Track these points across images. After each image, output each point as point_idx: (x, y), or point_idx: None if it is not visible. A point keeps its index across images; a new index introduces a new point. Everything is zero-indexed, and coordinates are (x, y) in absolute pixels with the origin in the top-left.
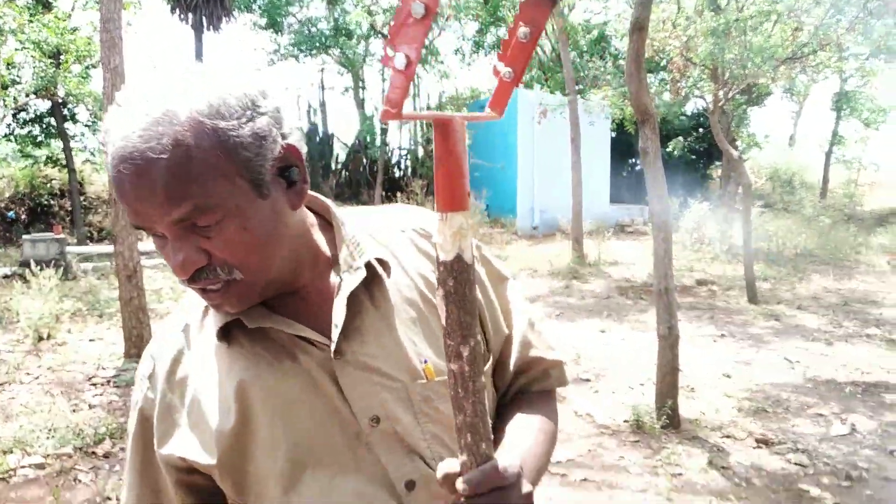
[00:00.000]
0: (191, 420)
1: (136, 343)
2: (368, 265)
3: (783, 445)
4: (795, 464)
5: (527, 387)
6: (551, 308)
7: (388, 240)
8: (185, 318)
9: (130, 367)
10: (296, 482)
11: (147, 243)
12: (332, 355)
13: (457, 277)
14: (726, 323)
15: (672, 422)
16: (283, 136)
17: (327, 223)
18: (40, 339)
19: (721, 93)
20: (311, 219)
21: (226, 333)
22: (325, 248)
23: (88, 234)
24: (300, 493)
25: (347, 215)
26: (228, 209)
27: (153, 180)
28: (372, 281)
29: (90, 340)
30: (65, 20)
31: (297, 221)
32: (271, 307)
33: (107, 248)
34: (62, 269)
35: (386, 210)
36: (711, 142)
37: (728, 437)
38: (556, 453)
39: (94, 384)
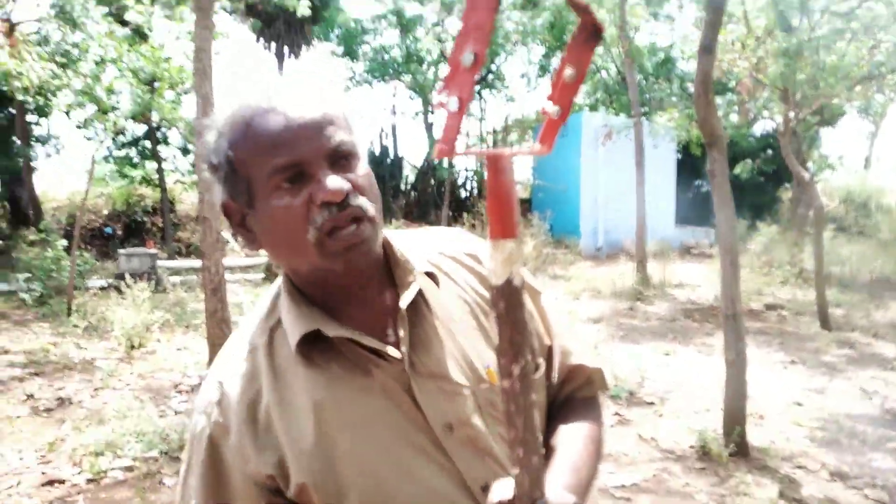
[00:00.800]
0: (271, 441)
1: (218, 353)
2: (423, 275)
3: (860, 480)
4: (873, 500)
5: (572, 394)
6: (615, 329)
7: (433, 258)
8: (250, 343)
9: None
10: (381, 494)
11: (231, 258)
12: (405, 368)
13: (508, 300)
14: (797, 349)
15: (740, 449)
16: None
17: None
18: (132, 347)
19: (792, 114)
20: None
21: (301, 351)
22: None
23: (177, 250)
24: None
25: (393, 235)
26: (360, 157)
27: (314, 115)
28: (425, 293)
29: (177, 349)
30: (159, 50)
31: None
32: (340, 320)
33: (194, 262)
34: (154, 281)
35: (431, 232)
36: (781, 163)
37: (800, 467)
38: (620, 478)
39: (180, 391)
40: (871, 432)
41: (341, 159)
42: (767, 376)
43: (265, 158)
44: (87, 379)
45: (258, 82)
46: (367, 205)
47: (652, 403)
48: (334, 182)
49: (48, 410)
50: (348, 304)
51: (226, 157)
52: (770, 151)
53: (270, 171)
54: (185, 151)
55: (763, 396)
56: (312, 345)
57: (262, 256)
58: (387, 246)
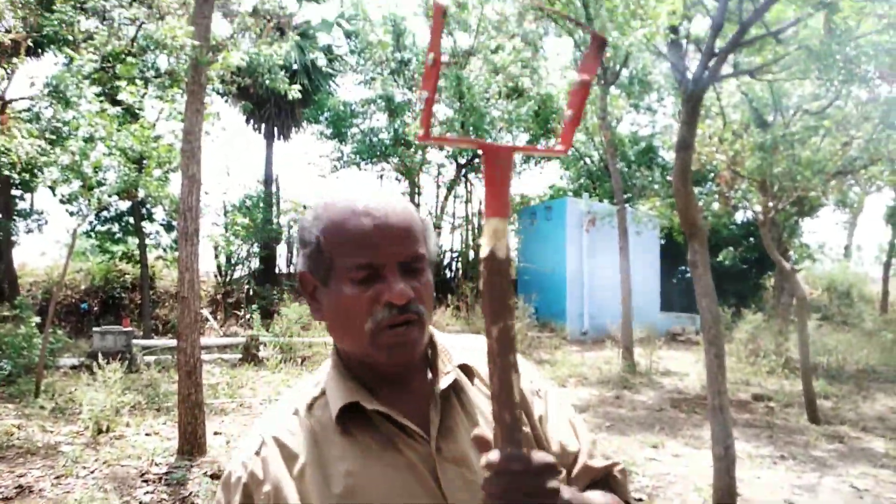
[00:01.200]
0: (303, 496)
1: (189, 440)
2: (456, 369)
3: None
4: None
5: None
6: (601, 419)
7: (469, 355)
8: (294, 405)
9: (182, 465)
10: None
11: (209, 337)
12: (433, 450)
13: (490, 268)
14: (786, 443)
15: None
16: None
17: None
18: (100, 431)
19: (770, 204)
20: None
21: (340, 420)
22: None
23: (154, 327)
24: None
25: (438, 332)
26: (427, 265)
27: (403, 223)
28: (459, 384)
29: (146, 434)
30: (149, 129)
31: None
32: (381, 398)
33: (170, 341)
34: (127, 361)
35: (469, 337)
36: (763, 251)
37: None
38: None
39: (147, 481)
40: None
41: (412, 267)
42: (757, 472)
43: (349, 253)
44: (50, 465)
45: (356, 182)
46: (423, 311)
47: (640, 500)
48: (401, 288)
49: (7, 500)
50: (388, 385)
51: (316, 238)
52: (752, 239)
53: (350, 265)
54: (168, 227)
55: (754, 492)
56: (351, 416)
57: (240, 337)
58: (430, 336)
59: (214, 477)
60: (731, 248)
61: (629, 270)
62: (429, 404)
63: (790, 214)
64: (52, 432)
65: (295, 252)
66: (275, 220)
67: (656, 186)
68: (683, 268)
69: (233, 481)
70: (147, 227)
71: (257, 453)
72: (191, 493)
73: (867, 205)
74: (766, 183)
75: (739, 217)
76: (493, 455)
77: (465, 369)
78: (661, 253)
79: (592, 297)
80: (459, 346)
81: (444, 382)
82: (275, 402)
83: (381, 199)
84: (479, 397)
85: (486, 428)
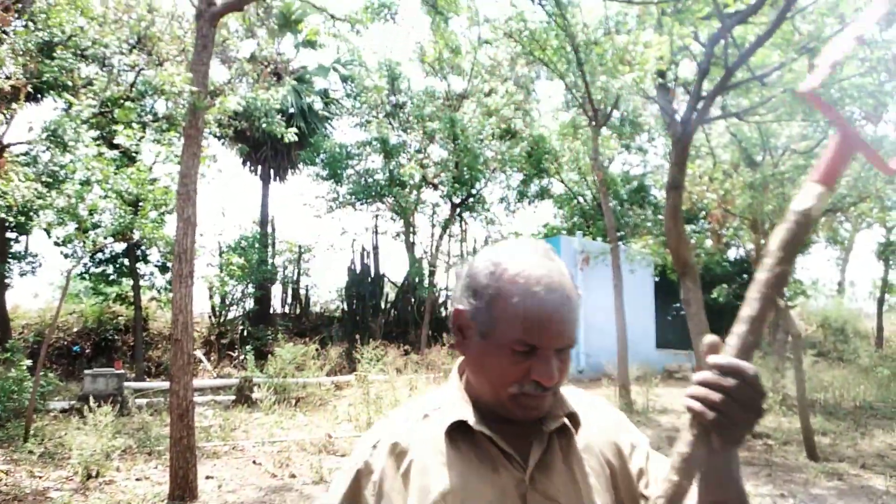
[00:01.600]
0: (401, 497)
1: (180, 484)
2: (567, 415)
3: None
4: None
5: None
6: None
7: (579, 404)
8: (414, 412)
9: None
10: None
11: (202, 379)
12: (526, 479)
13: (799, 222)
14: (786, 482)
15: None
16: None
17: None
18: (89, 476)
19: (762, 242)
20: None
21: (450, 433)
22: None
23: (147, 370)
24: None
25: None
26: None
27: (569, 312)
28: (566, 429)
29: (137, 479)
30: (146, 172)
31: None
32: (490, 424)
33: (163, 384)
34: (119, 404)
35: (579, 392)
36: None
37: None
38: None
39: None
40: None
41: (564, 352)
42: None
43: (517, 331)
44: None
45: (527, 244)
46: (559, 386)
47: None
48: (553, 373)
49: None
50: (500, 416)
51: (489, 299)
52: (745, 276)
53: (515, 340)
54: (163, 269)
55: None
56: (461, 433)
57: (234, 378)
58: None
59: None
60: (724, 286)
61: (624, 308)
62: (532, 438)
63: None
64: (40, 478)
65: (458, 289)
66: (270, 261)
67: (649, 224)
68: (678, 304)
69: (347, 468)
70: (142, 268)
71: (374, 447)
72: None
73: (858, 241)
74: (756, 221)
75: (732, 254)
76: (725, 358)
77: (573, 417)
78: (655, 290)
79: (588, 336)
80: (567, 395)
81: (553, 424)
82: (398, 407)
83: (555, 281)
84: (580, 443)
85: (581, 478)
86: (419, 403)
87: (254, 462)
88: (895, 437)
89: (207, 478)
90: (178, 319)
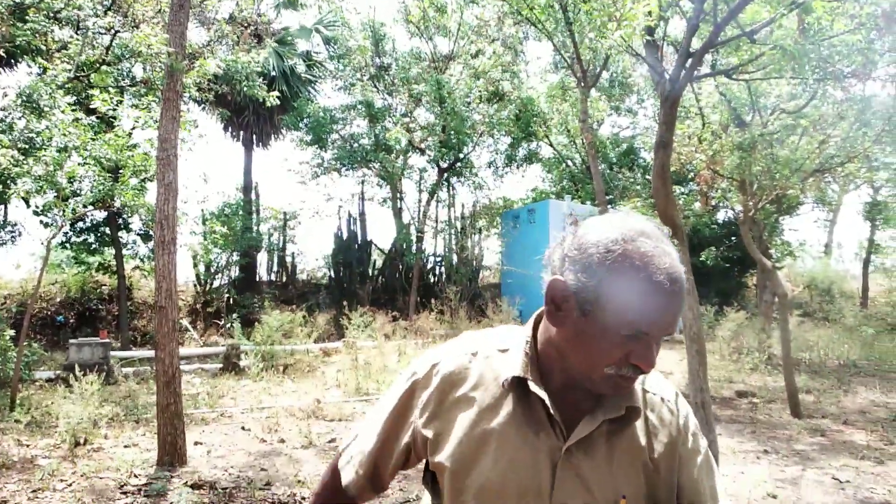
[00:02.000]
0: (445, 420)
1: (169, 450)
2: (627, 408)
3: None
4: None
5: None
6: None
7: (650, 398)
8: (477, 348)
9: (162, 476)
10: None
11: (189, 348)
12: (562, 449)
13: None
14: (769, 438)
15: None
16: None
17: None
18: (77, 444)
19: (750, 203)
20: None
21: (508, 382)
22: None
23: (132, 339)
24: None
25: None
26: None
27: (682, 303)
28: (620, 421)
29: (125, 446)
30: (125, 138)
31: None
32: (548, 387)
33: (148, 352)
34: (105, 373)
35: (672, 389)
36: (745, 250)
37: None
38: None
39: (126, 493)
40: None
41: (664, 338)
42: (741, 467)
43: (629, 320)
44: (27, 479)
45: (648, 226)
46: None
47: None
48: (653, 361)
49: None
50: (563, 384)
51: (605, 279)
52: (733, 238)
53: (625, 326)
54: (145, 237)
55: (738, 488)
56: (516, 384)
57: (221, 346)
58: None
59: (195, 487)
60: (712, 248)
61: None
62: (584, 414)
63: (770, 213)
64: (27, 446)
65: (558, 258)
66: (255, 228)
67: (638, 187)
68: None
69: (408, 374)
70: (124, 237)
71: (434, 366)
72: (171, 503)
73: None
74: (745, 182)
75: (721, 216)
76: None
77: (631, 410)
78: None
79: None
80: (655, 381)
81: (612, 413)
82: (464, 337)
83: (676, 272)
84: (632, 435)
85: (618, 471)
86: (486, 341)
87: (242, 428)
88: (877, 393)
89: (196, 444)
90: (161, 287)
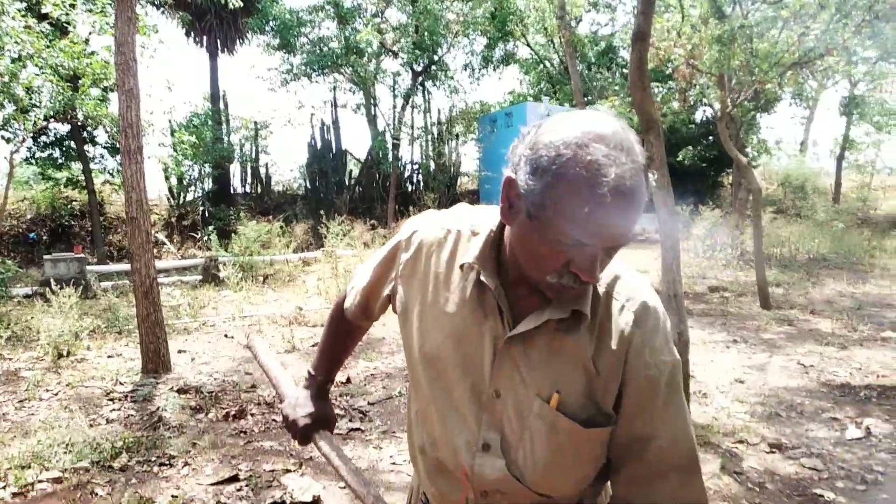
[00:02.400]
0: (413, 286)
1: (152, 358)
2: (572, 312)
3: (797, 450)
4: (809, 468)
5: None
6: None
7: (608, 301)
8: (455, 226)
9: (148, 383)
10: (429, 378)
11: (166, 261)
12: (505, 339)
13: None
14: (739, 329)
15: None
16: None
17: None
18: (60, 356)
19: (728, 99)
20: None
21: (465, 266)
22: None
23: (108, 254)
24: (424, 385)
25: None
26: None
27: (630, 217)
28: (569, 319)
29: (108, 357)
30: (81, 45)
31: None
32: (504, 278)
33: (126, 266)
34: (82, 287)
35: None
36: (722, 149)
37: (741, 442)
38: None
39: (112, 399)
40: (808, 404)
41: (614, 249)
42: (711, 356)
43: (572, 229)
44: (12, 391)
45: (604, 120)
46: (596, 282)
47: None
48: (595, 273)
49: None
50: (517, 278)
51: (550, 184)
52: (710, 138)
53: (567, 235)
54: (113, 150)
55: (707, 376)
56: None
57: (199, 258)
58: None
59: (181, 392)
60: (690, 148)
61: None
62: (534, 309)
63: (748, 110)
64: (11, 359)
65: (517, 155)
66: (225, 139)
67: (616, 87)
68: None
69: (398, 235)
70: (90, 150)
71: (414, 233)
72: (158, 407)
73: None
74: (723, 77)
75: (698, 116)
76: None
77: (577, 314)
78: None
79: None
80: (624, 280)
81: (557, 314)
82: (454, 210)
83: (626, 185)
84: (576, 338)
85: (554, 371)
86: (470, 218)
87: (225, 336)
88: (844, 284)
89: (180, 352)
90: (131, 197)
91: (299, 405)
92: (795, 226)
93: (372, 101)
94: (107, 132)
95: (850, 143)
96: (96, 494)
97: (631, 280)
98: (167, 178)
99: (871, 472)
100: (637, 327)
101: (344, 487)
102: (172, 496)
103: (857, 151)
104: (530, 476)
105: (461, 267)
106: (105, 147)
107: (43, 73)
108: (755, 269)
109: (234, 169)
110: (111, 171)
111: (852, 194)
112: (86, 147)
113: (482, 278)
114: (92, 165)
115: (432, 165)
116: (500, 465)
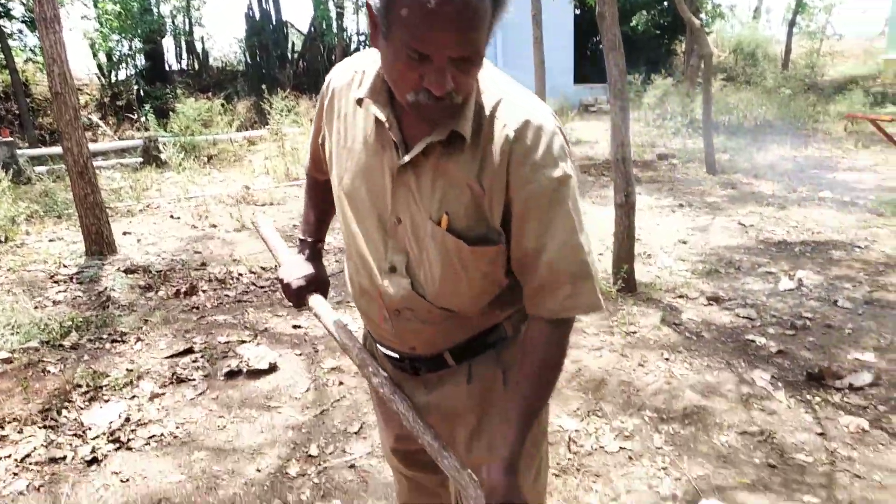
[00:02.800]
0: (331, 130)
1: (95, 240)
2: (451, 133)
3: (733, 301)
4: (744, 317)
5: (540, 314)
6: None
7: (494, 125)
8: (362, 67)
9: (93, 264)
10: (349, 213)
11: (103, 143)
12: (398, 166)
13: None
14: (685, 193)
15: (628, 285)
16: None
17: None
18: None
19: None
20: None
21: (360, 101)
22: None
23: (41, 138)
24: (346, 220)
25: (495, 78)
26: (481, 58)
27: (467, 21)
28: (452, 142)
29: (49, 241)
30: None
31: None
32: (397, 109)
33: (58, 149)
34: (13, 172)
35: (527, 96)
36: (676, 15)
37: (681, 297)
38: None
39: (57, 282)
40: (746, 260)
41: (464, 63)
42: (657, 220)
43: (408, 35)
44: None
45: None
46: (460, 101)
47: None
48: (442, 84)
49: None
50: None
51: (389, 9)
52: (665, 3)
53: (407, 43)
54: (32, 25)
55: (652, 238)
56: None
57: (137, 139)
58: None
59: (129, 272)
60: (643, 13)
61: (542, 40)
62: (423, 137)
63: None
64: None
65: None
66: (154, 10)
67: None
68: (598, 38)
69: (325, 84)
70: (7, 25)
71: (330, 80)
72: (106, 287)
73: None
74: None
75: None
76: None
77: (454, 135)
78: (574, 24)
79: (505, 71)
80: (501, 108)
81: (437, 136)
82: (358, 54)
83: None
84: (464, 159)
85: (439, 191)
86: (374, 56)
87: (171, 217)
88: (787, 149)
89: (125, 234)
90: (53, 71)
91: (294, 269)
92: (744, 93)
93: None
94: (22, 4)
95: (802, 6)
96: (48, 372)
97: (516, 100)
98: (95, 55)
99: (801, 319)
100: (517, 143)
101: (300, 354)
102: (127, 370)
103: (808, 17)
104: (431, 293)
105: (358, 102)
106: (23, 21)
107: None
108: (703, 135)
109: (168, 44)
110: (33, 49)
111: (801, 61)
112: (1, 21)
113: (371, 110)
114: (11, 42)
115: None
116: (405, 283)
